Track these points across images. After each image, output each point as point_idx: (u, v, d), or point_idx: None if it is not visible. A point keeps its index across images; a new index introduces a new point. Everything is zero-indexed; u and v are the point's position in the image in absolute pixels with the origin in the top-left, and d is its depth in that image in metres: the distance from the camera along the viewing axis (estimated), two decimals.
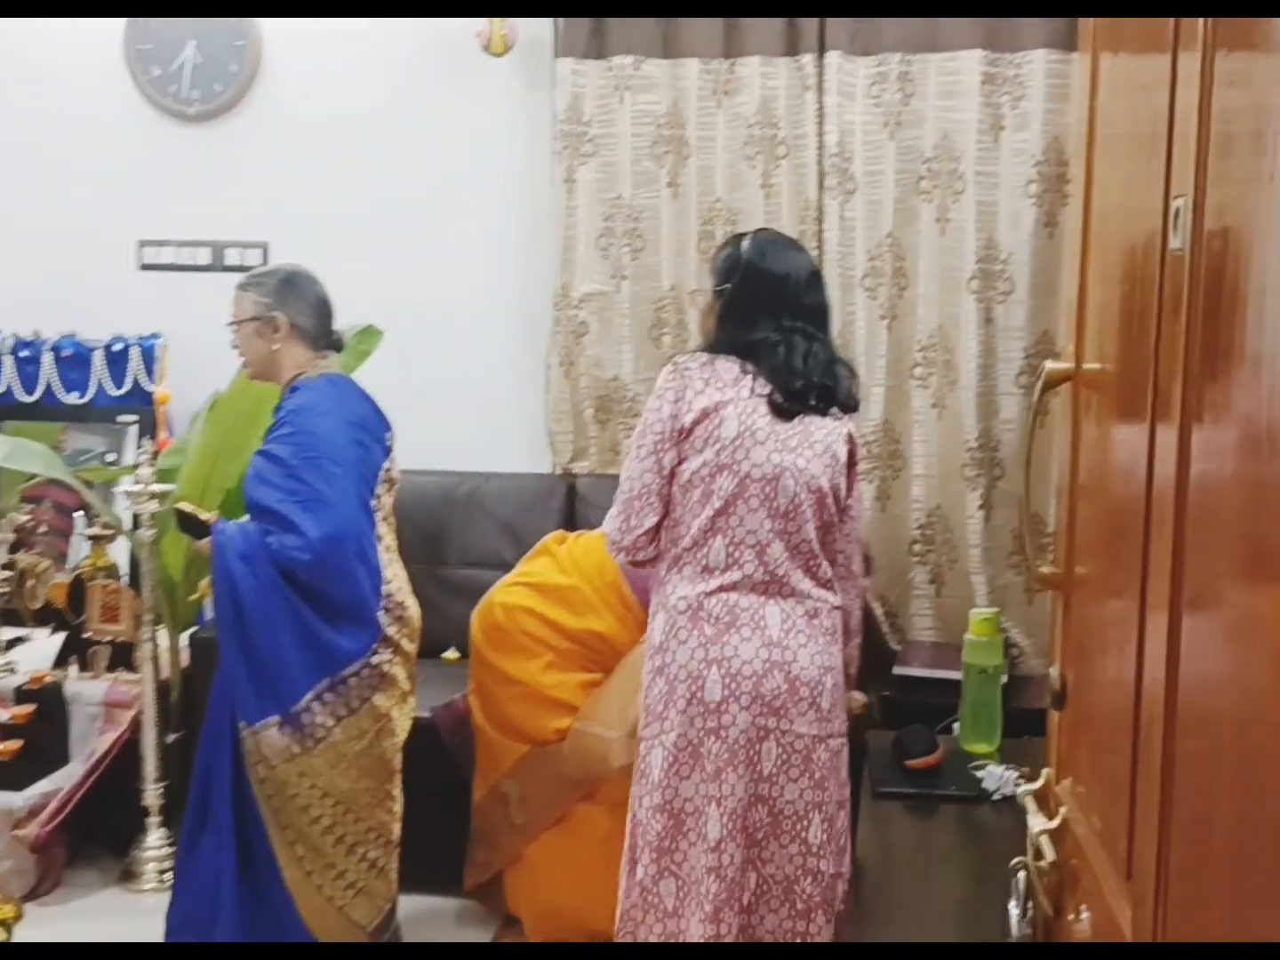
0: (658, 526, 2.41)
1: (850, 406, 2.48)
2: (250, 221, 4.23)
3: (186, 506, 2.92)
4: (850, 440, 2.46)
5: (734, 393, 2.37)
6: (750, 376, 2.38)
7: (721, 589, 2.34)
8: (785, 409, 2.38)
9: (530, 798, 3.16)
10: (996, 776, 2.63)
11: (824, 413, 2.41)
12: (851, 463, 2.46)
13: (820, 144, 3.78)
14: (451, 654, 3.92)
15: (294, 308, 3.01)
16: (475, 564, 3.96)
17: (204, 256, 4.26)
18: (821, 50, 3.75)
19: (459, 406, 4.16)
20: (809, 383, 2.39)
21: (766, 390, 2.37)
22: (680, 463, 2.37)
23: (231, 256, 4.24)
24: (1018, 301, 3.73)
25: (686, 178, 3.89)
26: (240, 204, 4.23)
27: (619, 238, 3.94)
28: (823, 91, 3.76)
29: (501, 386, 4.14)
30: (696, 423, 2.35)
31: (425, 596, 3.74)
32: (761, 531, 2.35)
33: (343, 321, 3.78)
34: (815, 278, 2.51)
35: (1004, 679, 2.95)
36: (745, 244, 2.47)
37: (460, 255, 4.15)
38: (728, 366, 2.39)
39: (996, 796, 2.60)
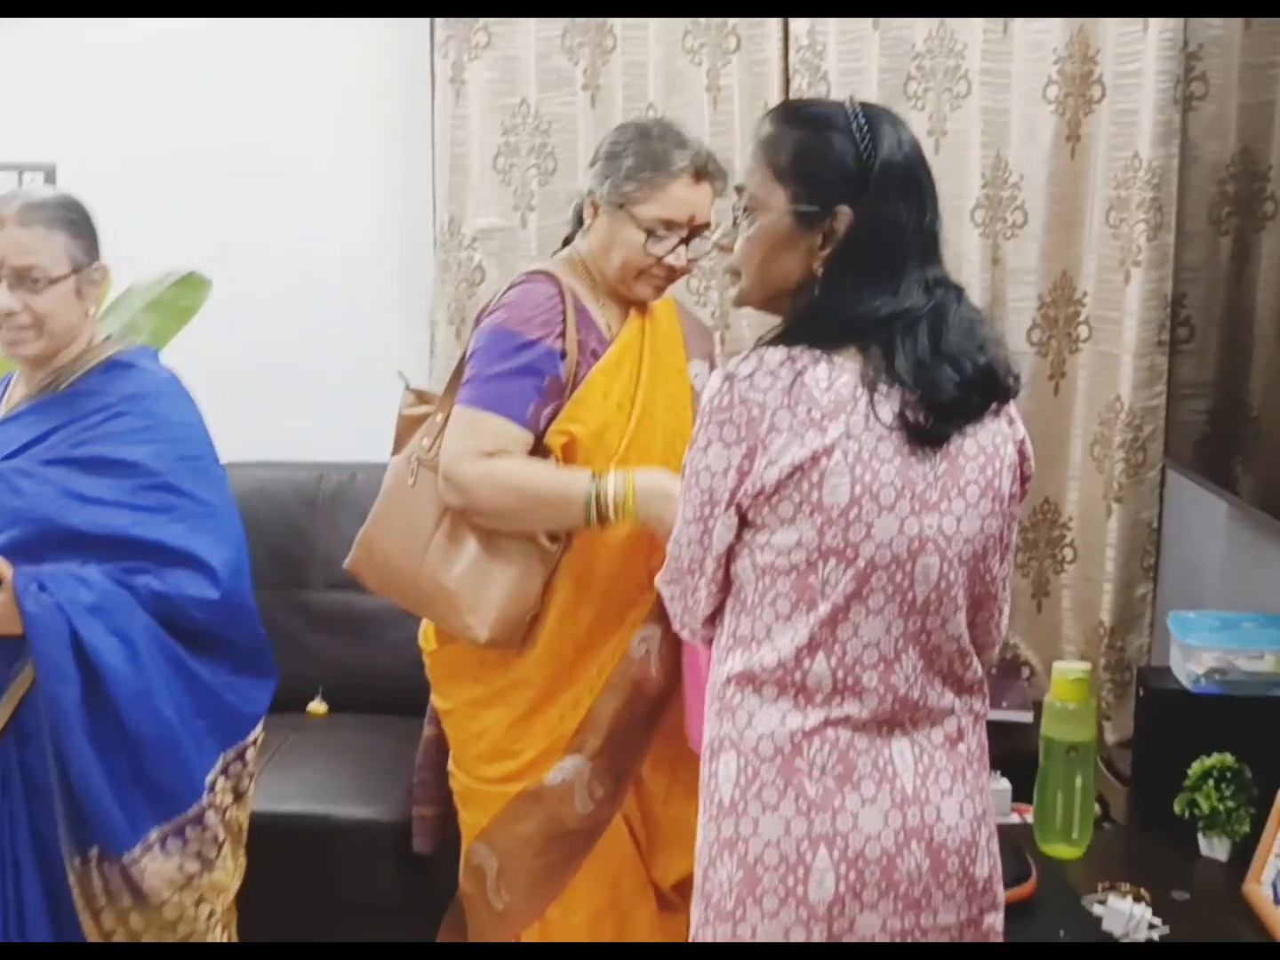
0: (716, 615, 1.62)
1: (1015, 390, 1.59)
2: (31, 137, 3.26)
3: None
4: (1021, 451, 1.59)
5: (843, 425, 1.47)
6: (868, 389, 1.49)
7: (828, 724, 1.51)
8: (932, 434, 1.50)
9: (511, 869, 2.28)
10: (1122, 914, 1.87)
11: (981, 415, 1.54)
12: (1023, 479, 1.61)
13: (784, 34, 2.97)
14: (318, 706, 3.06)
15: (99, 254, 2.18)
16: (345, 585, 3.04)
17: None
18: None
19: (316, 380, 3.28)
20: (968, 379, 1.51)
21: (895, 409, 1.49)
22: (749, 530, 1.52)
23: (6, 183, 3.24)
24: (1031, 236, 2.98)
25: (609, 78, 3.05)
26: (16, 115, 3.26)
27: (523, 156, 3.09)
28: None
29: (372, 352, 3.23)
30: (784, 482, 1.48)
31: (281, 629, 2.91)
32: (887, 641, 1.51)
33: (154, 268, 2.91)
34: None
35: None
36: (882, 127, 1.53)
37: (312, 182, 3.26)
38: (828, 373, 1.49)
39: (1124, 942, 1.85)
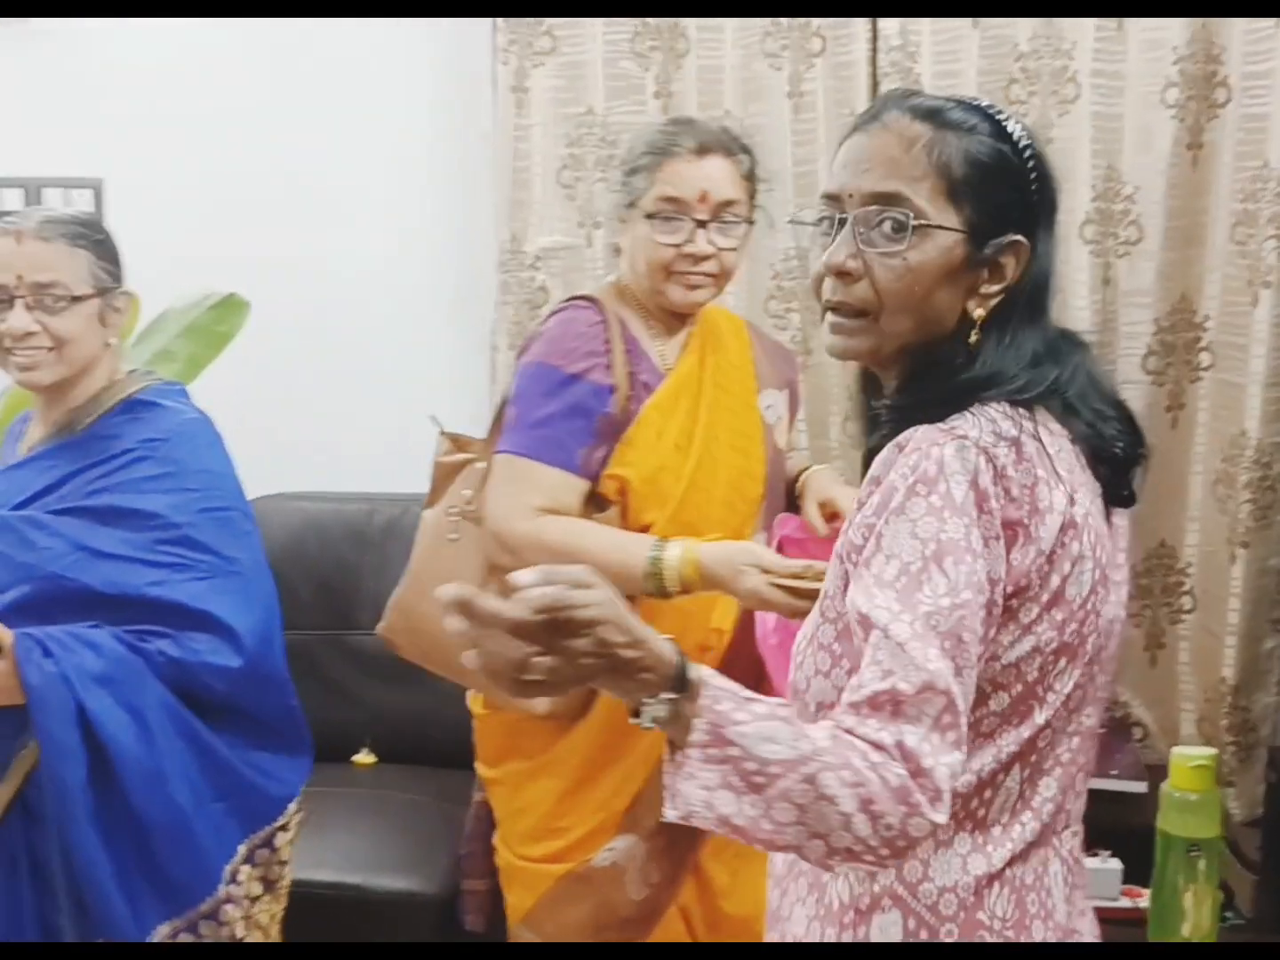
0: None
1: None
2: (76, 151, 3.11)
3: None
4: None
5: (1084, 497, 1.20)
6: (1083, 453, 1.24)
7: (1013, 860, 1.23)
8: (1128, 500, 1.27)
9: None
10: None
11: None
12: None
13: (873, 34, 2.74)
14: (365, 757, 2.87)
15: (122, 282, 1.99)
16: None
17: (14, 199, 3.12)
18: None
19: (368, 406, 3.08)
20: (1135, 437, 1.30)
21: (1094, 474, 1.25)
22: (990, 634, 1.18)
23: (52, 199, 3.12)
24: (1146, 254, 2.72)
25: (682, 84, 2.83)
26: (63, 127, 3.11)
27: (589, 169, 2.87)
28: None
29: (428, 377, 3.04)
30: (1038, 572, 1.17)
31: (326, 674, 2.72)
32: (1069, 745, 1.25)
33: (193, 288, 2.75)
34: None
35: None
36: (1036, 140, 1.27)
37: (366, 198, 3.07)
38: (1048, 434, 1.21)
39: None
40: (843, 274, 1.22)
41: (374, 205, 3.06)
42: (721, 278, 2.00)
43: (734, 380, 2.11)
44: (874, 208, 1.21)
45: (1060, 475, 1.18)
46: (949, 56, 2.71)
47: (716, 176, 1.96)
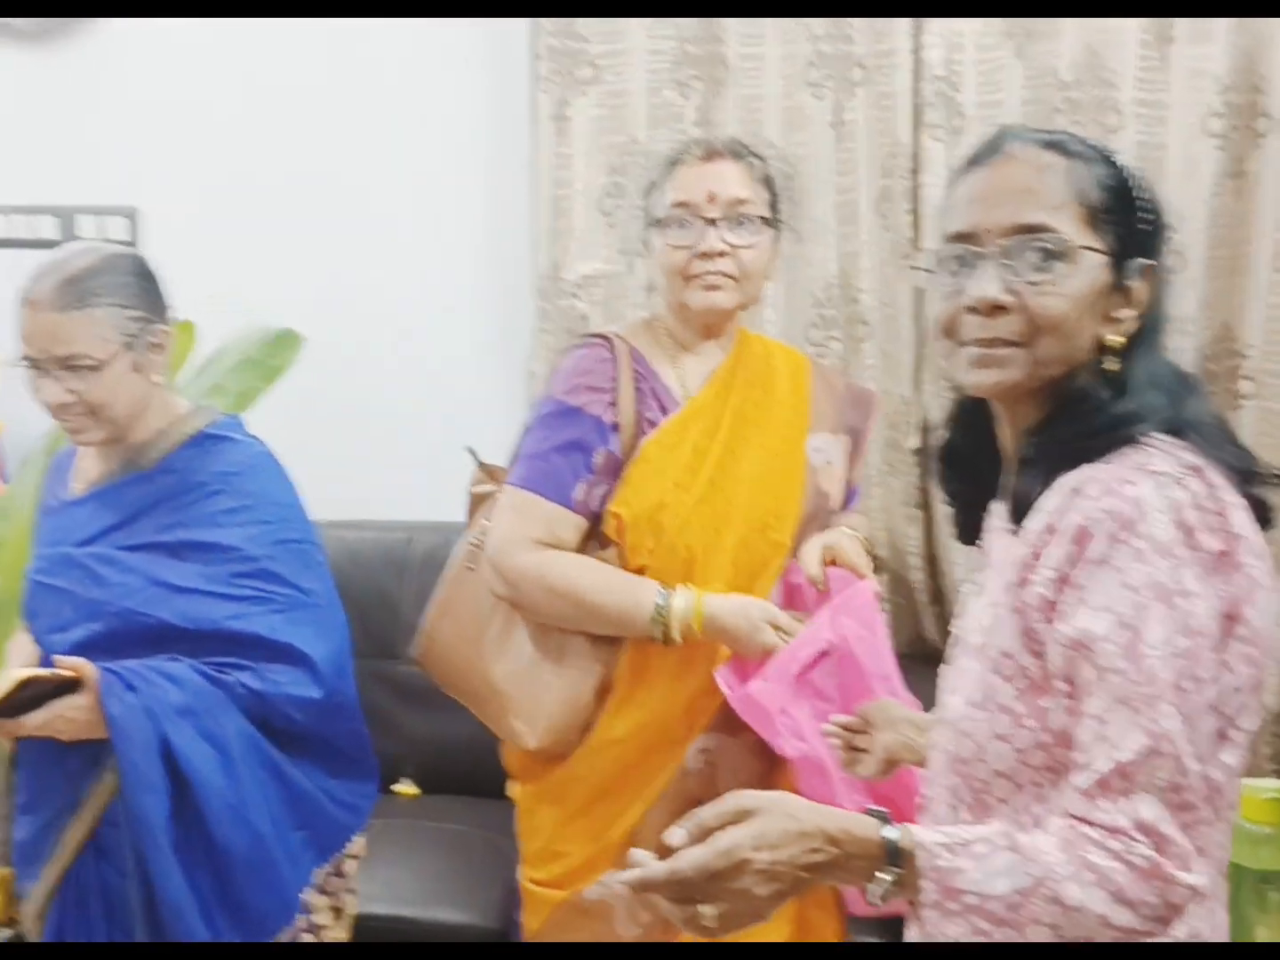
0: None
1: None
2: (110, 179, 3.09)
3: (24, 672, 1.78)
4: None
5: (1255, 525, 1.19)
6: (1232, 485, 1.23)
7: (1196, 916, 1.18)
8: (1273, 519, 1.25)
9: None
10: None
11: None
12: None
13: (916, 63, 2.73)
14: (406, 787, 2.86)
15: (162, 311, 1.91)
16: None
17: (49, 228, 3.10)
18: None
19: (408, 435, 3.05)
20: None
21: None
22: None
23: (86, 227, 3.11)
24: (1190, 282, 2.70)
25: (724, 113, 2.82)
26: (97, 154, 3.10)
27: (631, 197, 2.84)
28: None
29: (467, 406, 3.02)
30: (1245, 601, 1.15)
31: (366, 704, 2.68)
32: (1235, 785, 1.21)
33: (238, 322, 2.74)
34: None
35: None
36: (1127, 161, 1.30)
37: (405, 227, 3.05)
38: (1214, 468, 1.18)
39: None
40: (997, 309, 1.20)
41: (414, 233, 3.04)
42: (744, 281, 1.95)
43: (774, 417, 2.03)
44: (1018, 238, 1.20)
45: (1236, 502, 1.15)
46: (991, 86, 2.71)
47: (724, 176, 1.95)
